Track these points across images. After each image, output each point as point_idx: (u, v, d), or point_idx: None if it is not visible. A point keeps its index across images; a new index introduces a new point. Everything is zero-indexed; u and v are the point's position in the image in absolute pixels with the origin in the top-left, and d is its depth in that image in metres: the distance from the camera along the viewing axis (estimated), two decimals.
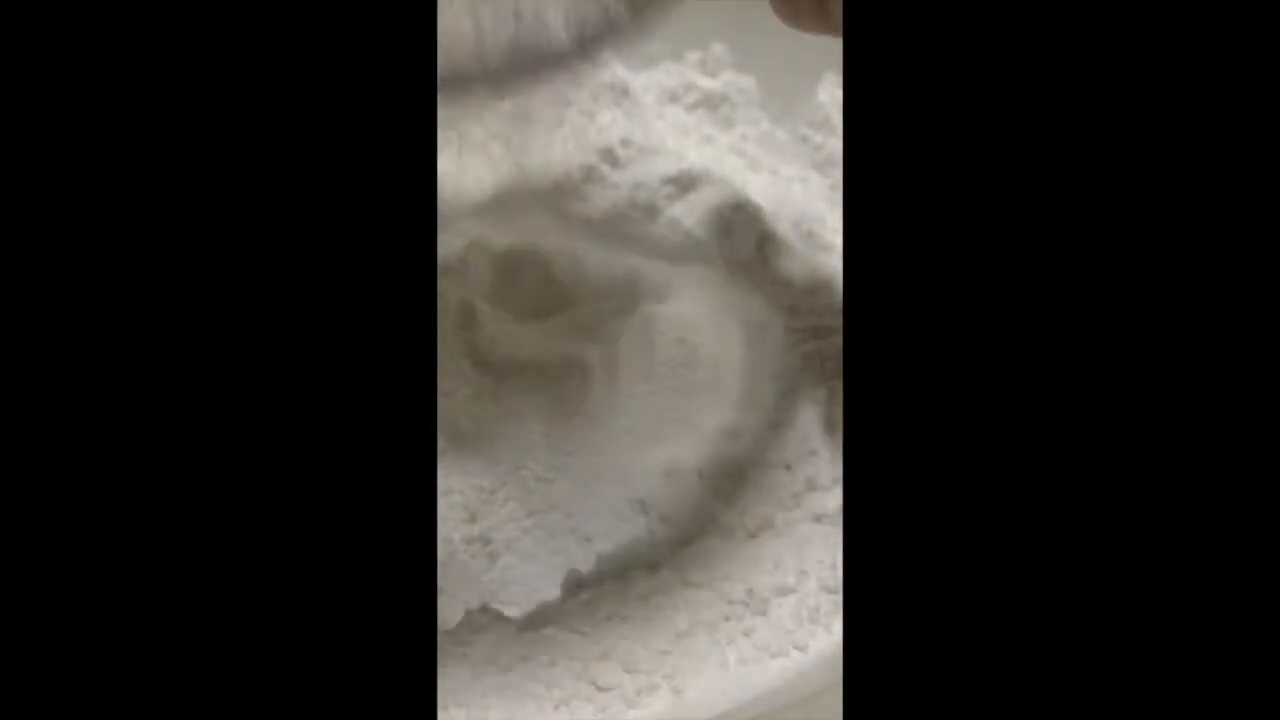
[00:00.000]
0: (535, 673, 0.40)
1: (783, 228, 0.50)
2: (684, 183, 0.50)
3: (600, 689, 0.40)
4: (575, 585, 0.42)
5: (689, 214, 0.50)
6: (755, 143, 0.53)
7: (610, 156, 0.51)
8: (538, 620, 0.41)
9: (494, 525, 0.42)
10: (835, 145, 0.52)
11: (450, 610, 0.42)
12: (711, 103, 0.54)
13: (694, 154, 0.52)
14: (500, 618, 0.41)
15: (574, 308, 0.47)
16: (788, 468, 0.45)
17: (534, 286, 0.48)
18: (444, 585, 0.42)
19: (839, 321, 0.48)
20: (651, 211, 0.50)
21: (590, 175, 0.50)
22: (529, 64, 0.31)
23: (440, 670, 0.40)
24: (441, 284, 0.45)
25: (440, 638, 0.41)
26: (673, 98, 0.54)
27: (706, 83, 0.54)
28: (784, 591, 0.42)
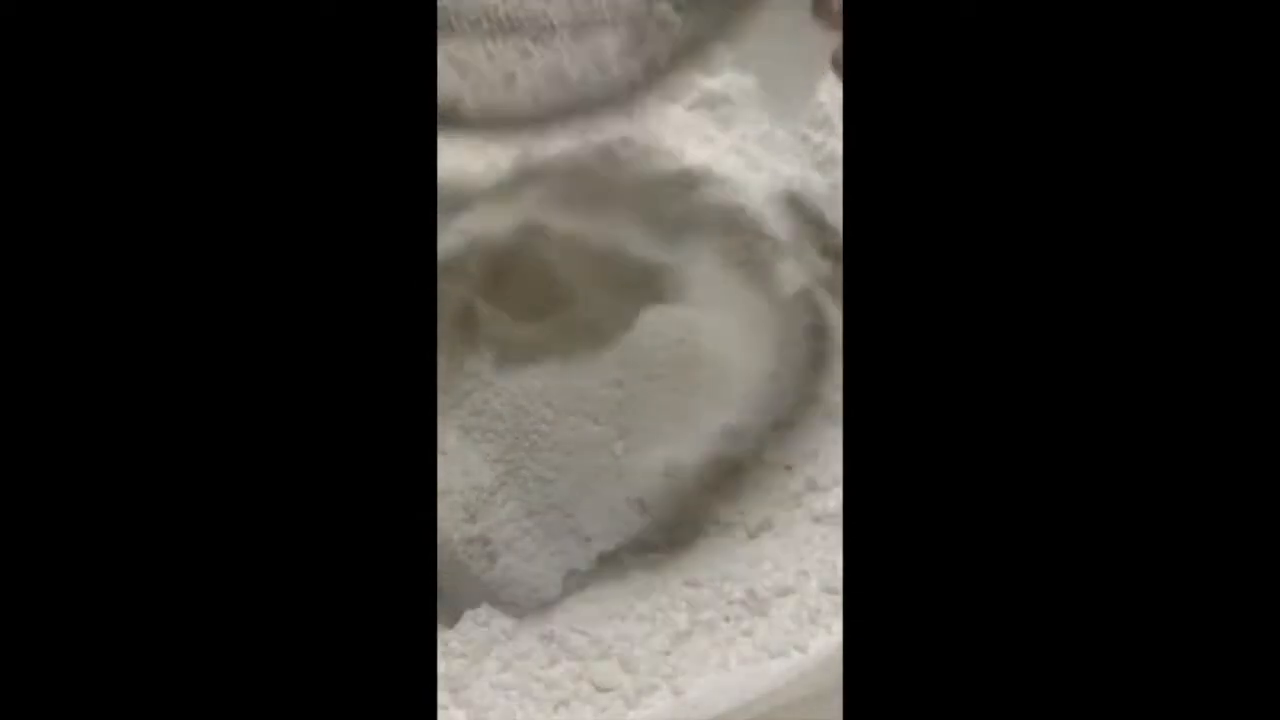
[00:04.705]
0: (535, 673, 0.40)
1: (783, 227, 0.50)
2: (684, 182, 0.50)
3: (600, 689, 0.40)
4: (575, 585, 0.42)
5: (690, 213, 0.50)
6: (755, 142, 0.53)
7: (611, 156, 0.51)
8: (537, 620, 0.42)
9: (494, 525, 0.42)
10: (835, 145, 0.52)
11: (450, 610, 0.42)
12: (712, 102, 0.54)
13: (694, 153, 0.52)
14: (500, 618, 0.41)
15: (573, 307, 0.47)
16: (788, 468, 0.45)
17: (534, 286, 0.48)
18: (444, 586, 0.42)
19: (839, 321, 0.48)
20: (652, 211, 0.50)
21: (591, 175, 0.50)
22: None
23: (440, 670, 0.40)
24: (441, 284, 0.45)
25: (440, 638, 0.41)
26: (673, 97, 0.54)
27: (707, 82, 0.54)
28: (784, 592, 0.42)
